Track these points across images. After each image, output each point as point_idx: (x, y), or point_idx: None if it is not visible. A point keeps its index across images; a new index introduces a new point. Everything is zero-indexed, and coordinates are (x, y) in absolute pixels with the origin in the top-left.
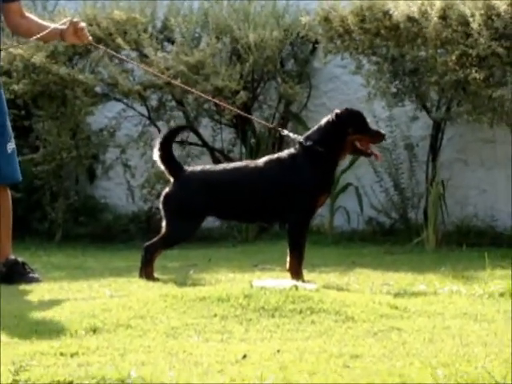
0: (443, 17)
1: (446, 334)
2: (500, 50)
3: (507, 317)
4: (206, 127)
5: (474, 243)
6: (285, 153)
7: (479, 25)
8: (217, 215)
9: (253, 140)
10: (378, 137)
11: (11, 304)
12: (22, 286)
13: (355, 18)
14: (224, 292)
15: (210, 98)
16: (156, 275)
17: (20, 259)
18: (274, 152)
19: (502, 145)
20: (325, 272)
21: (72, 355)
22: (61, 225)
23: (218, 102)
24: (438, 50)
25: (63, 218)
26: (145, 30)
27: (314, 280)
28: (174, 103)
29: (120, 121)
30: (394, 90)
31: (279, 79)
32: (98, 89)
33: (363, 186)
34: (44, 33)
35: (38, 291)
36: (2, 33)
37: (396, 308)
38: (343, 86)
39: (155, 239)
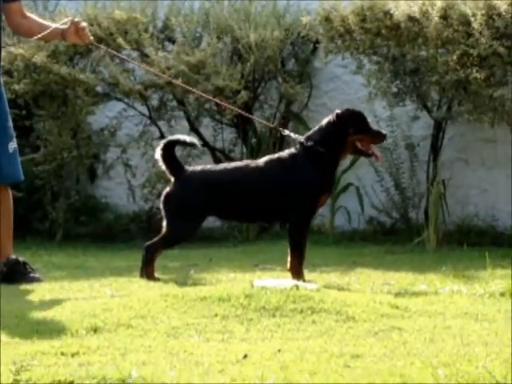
0: (444, 16)
1: (446, 333)
2: (501, 49)
3: (508, 316)
4: (206, 127)
5: (475, 243)
6: (285, 153)
7: (480, 24)
8: (217, 215)
9: (254, 140)
10: (378, 137)
11: (12, 304)
12: (23, 286)
13: (356, 17)
14: (225, 292)
15: (211, 98)
16: (157, 275)
17: (21, 259)
18: (275, 152)
19: (503, 144)
20: (326, 272)
21: (73, 355)
22: (62, 224)
23: (219, 101)
24: (439, 50)
25: (64, 218)
26: (146, 30)
27: (315, 280)
28: (174, 103)
29: (121, 120)
30: (395, 89)
31: (280, 79)
32: (98, 88)
33: (364, 186)
34: (45, 32)
35: (38, 291)
36: (2, 32)
37: (397, 308)
38: (344, 85)
39: (156, 239)
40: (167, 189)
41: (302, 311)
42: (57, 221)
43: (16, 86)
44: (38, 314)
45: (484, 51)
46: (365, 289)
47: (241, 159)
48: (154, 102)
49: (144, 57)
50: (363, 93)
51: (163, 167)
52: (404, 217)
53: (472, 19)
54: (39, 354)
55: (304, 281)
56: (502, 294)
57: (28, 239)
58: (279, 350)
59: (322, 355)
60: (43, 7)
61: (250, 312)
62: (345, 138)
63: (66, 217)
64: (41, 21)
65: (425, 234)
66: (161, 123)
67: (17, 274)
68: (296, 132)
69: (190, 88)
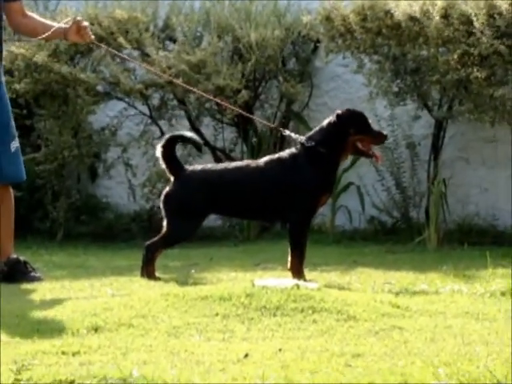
0: (445, 16)
1: (447, 333)
2: (502, 48)
3: (508, 316)
4: (207, 126)
5: (476, 242)
6: (286, 152)
7: (481, 24)
8: (217, 213)
9: (254, 139)
10: (379, 137)
11: (13, 303)
12: (24, 285)
13: (357, 17)
14: (226, 291)
15: (211, 98)
16: (157, 274)
17: (22, 258)
18: (275, 151)
19: (504, 144)
20: (326, 271)
21: (74, 354)
22: (62, 224)
23: (219, 101)
24: (440, 49)
25: (65, 217)
26: (146, 29)
27: (316, 279)
28: (175, 102)
29: (121, 120)
30: (396, 89)
31: (281, 78)
32: (99, 88)
33: (365, 185)
34: (48, 33)
35: (39, 290)
36: (3, 32)
37: (398, 307)
38: (345, 85)
39: (156, 238)
40: (167, 188)
41: (302, 310)
42: (57, 220)
43: (17, 86)
44: (38, 314)
45: (485, 50)
46: (366, 288)
47: (241, 159)
48: (155, 102)
49: (145, 56)
50: (364, 92)
51: (163, 166)
52: (405, 216)
53: (474, 18)
54: (40, 353)
55: (305, 280)
56: (503, 294)
57: (29, 238)
58: (280, 350)
59: (323, 354)
60: (44, 6)
61: (251, 311)
62: (345, 139)
63: (67, 216)
64: (42, 20)
65: (425, 233)
66: (161, 122)
67: (17, 273)
68: (297, 131)
69: (191, 88)
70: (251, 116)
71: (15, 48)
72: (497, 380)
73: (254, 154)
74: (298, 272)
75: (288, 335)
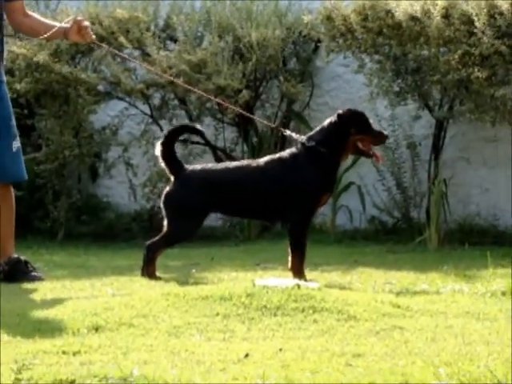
0: (446, 16)
1: (448, 332)
2: (503, 48)
3: (509, 315)
4: (208, 126)
5: (477, 242)
6: (286, 152)
7: (483, 24)
8: (218, 213)
9: (255, 139)
10: (380, 137)
11: (14, 302)
12: (25, 285)
13: (357, 16)
14: (226, 291)
15: (212, 98)
16: (158, 274)
17: (22, 258)
18: (276, 151)
19: (504, 144)
20: (327, 271)
21: (74, 354)
22: (63, 223)
23: (220, 101)
24: (441, 49)
25: (65, 217)
26: (147, 29)
27: (317, 279)
28: (176, 102)
29: (122, 119)
30: (397, 88)
31: (281, 78)
32: (100, 87)
33: (366, 185)
34: (49, 33)
35: (40, 290)
36: (5, 31)
37: (398, 307)
38: (345, 84)
39: (157, 238)
40: (167, 188)
41: (303, 310)
42: (58, 220)
43: (18, 85)
44: (39, 313)
45: (486, 50)
46: (366, 288)
47: (242, 158)
48: (156, 101)
49: (146, 56)
50: (365, 92)
51: (163, 165)
52: (405, 216)
53: (475, 18)
54: (41, 352)
55: (305, 280)
56: (504, 293)
57: (29, 238)
58: (280, 349)
59: (324, 354)
60: (45, 6)
61: (252, 311)
62: (346, 138)
63: (68, 216)
64: (43, 19)
65: (426, 233)
66: (162, 122)
67: (18, 272)
68: (297, 131)
69: (192, 88)
70: (252, 116)
71: (16, 48)
72: (497, 380)
73: (255, 154)
74: (298, 272)
75: (288, 335)
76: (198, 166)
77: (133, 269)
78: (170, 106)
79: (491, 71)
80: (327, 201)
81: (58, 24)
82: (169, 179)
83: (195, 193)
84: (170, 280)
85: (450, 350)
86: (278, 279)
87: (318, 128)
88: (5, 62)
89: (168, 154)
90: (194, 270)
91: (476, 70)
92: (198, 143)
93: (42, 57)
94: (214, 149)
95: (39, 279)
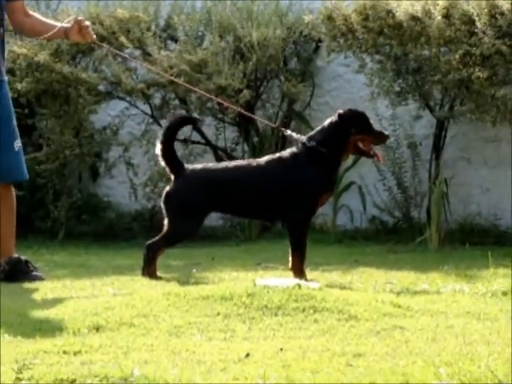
0: (446, 16)
1: (448, 332)
2: (504, 48)
3: (510, 315)
4: (209, 126)
5: (477, 242)
6: (287, 152)
7: (484, 23)
8: (218, 212)
9: (256, 139)
10: (380, 137)
11: (14, 302)
12: (25, 284)
13: (358, 16)
14: (227, 291)
15: (213, 97)
16: (159, 274)
17: (23, 257)
18: (277, 151)
19: (505, 143)
20: (328, 271)
21: (75, 353)
22: (64, 223)
23: (221, 101)
24: (442, 49)
25: (66, 217)
26: (148, 29)
27: (317, 279)
28: (177, 102)
29: (123, 119)
30: (398, 88)
31: (282, 78)
32: (101, 87)
33: (366, 185)
34: (50, 33)
35: (41, 289)
36: (5, 31)
37: (399, 307)
38: (346, 84)
39: (157, 238)
40: (168, 187)
41: (304, 310)
42: (59, 219)
43: (18, 85)
44: (40, 313)
45: (487, 50)
46: (367, 288)
47: (243, 158)
48: (157, 101)
49: (146, 55)
50: (366, 92)
51: (163, 164)
52: (406, 216)
53: (476, 18)
54: (41, 352)
55: (306, 280)
56: (505, 293)
57: (30, 238)
58: (281, 349)
59: (324, 354)
60: (46, 6)
61: (253, 311)
62: (347, 138)
63: (68, 215)
64: (44, 19)
65: (427, 233)
66: (163, 122)
67: (19, 272)
68: (298, 131)
69: (192, 87)
70: (252, 116)
71: (17, 47)
72: (498, 380)
73: (256, 154)
74: (299, 271)
75: (289, 335)
76: (198, 166)
77: (133, 268)
78: (170, 106)
79: (492, 71)
80: (327, 201)
81: (58, 24)
82: (170, 179)
83: (195, 192)
84: (170, 280)
85: (451, 350)
86: (279, 279)
87: (318, 128)
88: (5, 62)
89: (168, 152)
90: (194, 270)
91: (477, 69)
92: (198, 143)
93: (42, 57)
94: (214, 148)
95: (40, 279)
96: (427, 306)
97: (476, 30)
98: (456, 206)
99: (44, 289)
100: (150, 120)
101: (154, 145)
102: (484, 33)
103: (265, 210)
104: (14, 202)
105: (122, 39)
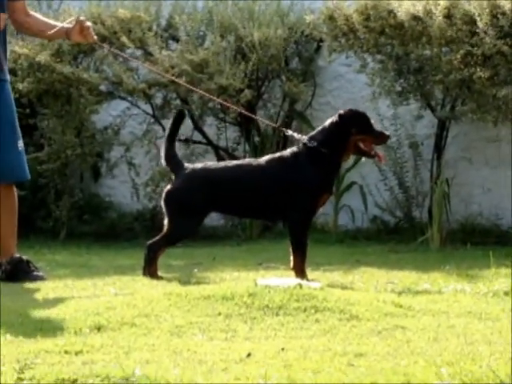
0: (448, 16)
1: (450, 332)
2: (505, 48)
3: (511, 315)
4: (210, 126)
5: (479, 242)
6: (287, 151)
7: (485, 23)
8: (218, 211)
9: (257, 138)
10: (381, 138)
11: (16, 302)
12: (27, 284)
13: (360, 16)
14: (228, 290)
15: (213, 98)
16: (160, 273)
17: (24, 257)
18: (278, 151)
19: (507, 143)
20: (329, 270)
21: (76, 353)
22: (65, 223)
23: (222, 101)
24: (443, 49)
25: (68, 216)
26: (149, 29)
27: (319, 278)
28: (178, 101)
29: (124, 119)
30: (399, 88)
31: (284, 77)
32: (102, 87)
33: (368, 185)
34: (53, 31)
35: (42, 289)
36: (7, 31)
37: (400, 306)
38: (348, 84)
39: (158, 237)
40: (168, 186)
41: (305, 310)
42: (60, 219)
43: (20, 85)
44: (41, 313)
45: (488, 50)
46: (368, 288)
47: (244, 158)
48: (158, 101)
49: (148, 55)
50: (367, 91)
51: (164, 163)
52: (408, 216)
53: (478, 18)
54: (43, 352)
55: (307, 280)
56: (506, 293)
57: (31, 238)
58: (283, 349)
59: (326, 354)
60: (47, 6)
61: (254, 311)
62: (347, 139)
63: (70, 215)
64: (45, 19)
65: (428, 232)
66: (164, 122)
67: (20, 272)
68: (300, 131)
69: (193, 88)
70: (253, 116)
71: (18, 48)
72: (500, 380)
73: (257, 154)
74: (300, 271)
75: (291, 334)
76: (198, 165)
77: (135, 268)
78: (172, 106)
79: (493, 71)
80: (327, 201)
81: (60, 24)
82: (171, 179)
83: (196, 191)
84: (172, 279)
85: (452, 350)
86: (280, 279)
87: (319, 128)
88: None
89: (169, 152)
90: (196, 270)
91: (478, 69)
92: (200, 143)
93: (43, 57)
94: (216, 148)
95: (41, 279)
96: (429, 305)
97: (477, 30)
98: (457, 205)
99: (45, 289)
100: (152, 120)
101: (155, 145)
102: (485, 33)
103: (265, 209)
104: (16, 201)
105: (124, 39)
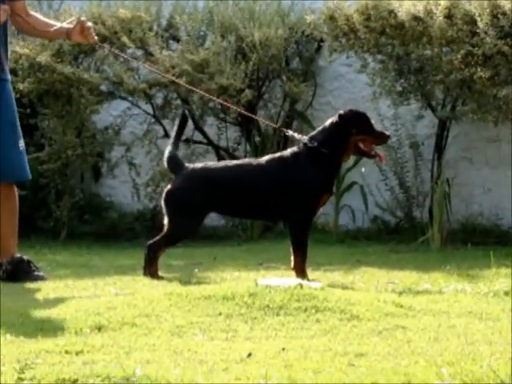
0: (448, 16)
1: (450, 332)
2: (505, 48)
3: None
4: (211, 126)
5: (479, 242)
6: (288, 151)
7: (485, 24)
8: (218, 212)
9: (258, 138)
10: (382, 138)
11: (16, 302)
12: (27, 284)
13: (360, 16)
14: (229, 290)
15: (213, 98)
16: (161, 273)
17: (25, 257)
18: (279, 150)
19: (507, 143)
20: (330, 270)
21: (77, 353)
22: (66, 223)
23: (222, 102)
24: (443, 49)
25: (68, 216)
26: (150, 29)
27: (319, 278)
28: (179, 101)
29: (125, 119)
30: (400, 88)
31: (284, 77)
32: (103, 87)
33: (368, 185)
34: (51, 29)
35: (43, 289)
36: (8, 31)
37: (401, 306)
38: (348, 84)
39: (158, 237)
40: (168, 186)
41: (306, 310)
42: (61, 219)
43: (20, 85)
44: (42, 313)
45: (489, 50)
46: (369, 288)
47: (245, 158)
48: (159, 101)
49: (148, 55)
50: (368, 91)
51: (165, 163)
52: (408, 216)
53: (478, 18)
54: (43, 352)
55: (308, 279)
56: (507, 293)
57: (32, 238)
58: (283, 349)
59: (326, 354)
60: (48, 6)
61: (254, 311)
62: (347, 139)
63: (71, 215)
64: (45, 19)
65: (429, 232)
66: (165, 122)
67: (21, 272)
68: (300, 131)
69: (193, 88)
70: (254, 117)
71: (19, 48)
72: (500, 380)
73: (258, 154)
74: (301, 271)
75: (291, 335)
76: (198, 165)
77: (136, 268)
78: (172, 106)
79: (494, 71)
80: (327, 201)
81: (59, 24)
82: (171, 178)
83: (196, 191)
84: (172, 279)
85: (453, 350)
86: (281, 279)
87: (319, 128)
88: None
89: (172, 153)
90: (196, 270)
91: (479, 69)
92: (200, 143)
93: (44, 57)
94: (216, 148)
95: (42, 279)
96: (429, 305)
97: (478, 30)
98: (458, 205)
99: (46, 289)
100: (152, 120)
101: (156, 145)
102: (486, 33)
103: (265, 209)
104: (17, 201)
105: (124, 39)
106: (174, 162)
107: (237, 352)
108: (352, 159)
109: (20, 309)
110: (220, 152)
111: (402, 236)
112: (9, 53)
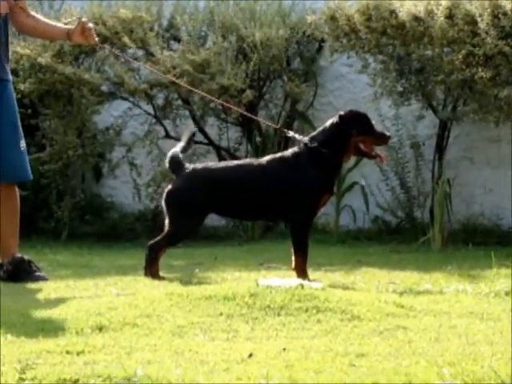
0: (449, 16)
1: (451, 332)
2: (506, 49)
3: None
4: (212, 126)
5: (480, 242)
6: (288, 152)
7: (486, 24)
8: (219, 212)
9: (259, 139)
10: (382, 138)
11: (17, 302)
12: (29, 285)
13: (361, 16)
14: (230, 291)
15: (214, 99)
16: (162, 274)
17: (26, 257)
18: (280, 151)
19: (508, 144)
20: (330, 271)
21: (78, 353)
22: (67, 223)
23: (223, 102)
24: (445, 49)
25: (69, 217)
26: (151, 29)
27: (320, 279)
28: (180, 102)
29: (126, 119)
30: (401, 88)
31: (285, 78)
32: (104, 88)
33: (369, 185)
34: (52, 29)
35: (44, 289)
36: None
37: (402, 307)
38: (349, 84)
39: (159, 238)
40: (169, 186)
41: (307, 310)
42: (62, 219)
43: (21, 86)
44: (43, 313)
45: (489, 51)
46: (370, 288)
47: (246, 158)
48: (160, 101)
49: (149, 55)
50: (368, 92)
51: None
52: (409, 216)
53: (478, 19)
54: (44, 352)
55: (309, 280)
56: (507, 293)
57: (33, 238)
58: (284, 349)
59: (327, 354)
60: (49, 6)
61: (255, 311)
62: (348, 140)
63: (72, 216)
64: (46, 20)
65: (430, 233)
66: (166, 122)
67: (22, 272)
68: (301, 131)
69: (194, 88)
70: (254, 117)
71: (20, 48)
72: (501, 380)
73: (259, 154)
74: (302, 271)
75: (292, 335)
76: (199, 165)
77: (137, 268)
78: (173, 106)
79: (495, 71)
80: (327, 202)
81: (60, 24)
82: (172, 179)
83: (196, 191)
84: (173, 280)
85: (454, 350)
86: (282, 279)
87: (320, 129)
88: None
89: (174, 157)
90: (197, 270)
91: (480, 70)
92: (201, 143)
93: (45, 58)
94: (217, 149)
95: (43, 279)
96: (430, 306)
97: (479, 31)
98: (459, 206)
99: (47, 289)
100: (153, 120)
101: (157, 145)
102: (487, 33)
103: (266, 209)
104: (18, 202)
105: (125, 39)
106: (175, 163)
107: (238, 352)
108: (353, 159)
109: (21, 309)
110: (221, 152)
111: (403, 236)
112: (10, 53)
